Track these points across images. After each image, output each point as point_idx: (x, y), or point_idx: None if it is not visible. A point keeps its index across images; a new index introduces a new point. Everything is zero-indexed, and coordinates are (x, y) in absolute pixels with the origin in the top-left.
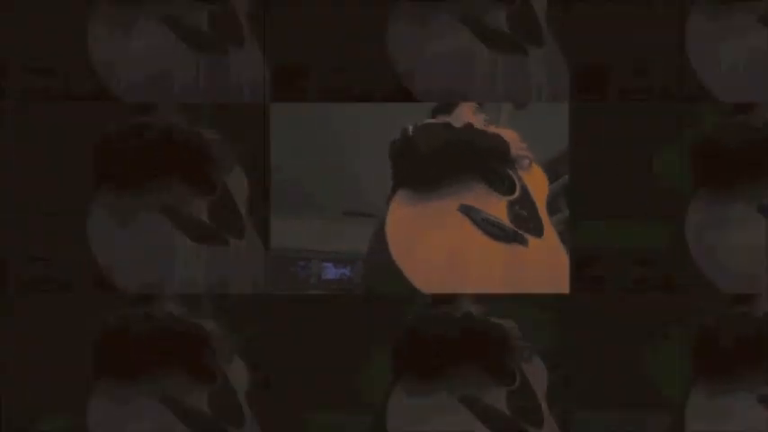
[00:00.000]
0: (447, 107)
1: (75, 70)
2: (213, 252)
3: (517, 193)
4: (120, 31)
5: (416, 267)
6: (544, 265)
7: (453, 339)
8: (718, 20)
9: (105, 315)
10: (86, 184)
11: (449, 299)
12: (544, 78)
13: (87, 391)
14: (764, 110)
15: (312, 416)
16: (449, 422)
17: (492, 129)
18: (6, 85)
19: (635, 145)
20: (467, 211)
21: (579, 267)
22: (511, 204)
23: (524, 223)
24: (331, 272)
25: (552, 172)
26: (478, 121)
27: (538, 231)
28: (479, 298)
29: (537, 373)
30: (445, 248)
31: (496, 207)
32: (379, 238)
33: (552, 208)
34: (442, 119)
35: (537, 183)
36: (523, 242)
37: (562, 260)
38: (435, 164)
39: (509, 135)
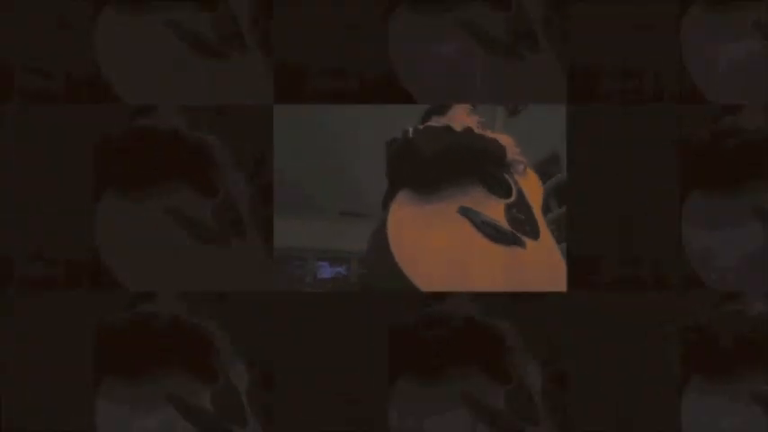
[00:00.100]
0: (441, 108)
1: (79, 73)
2: (215, 252)
3: (514, 197)
4: (124, 34)
5: (418, 267)
6: (542, 267)
7: (451, 338)
8: (713, 23)
9: (108, 314)
10: (91, 184)
11: (445, 297)
12: (539, 82)
13: (93, 390)
14: (755, 112)
15: (313, 416)
16: (448, 421)
17: (488, 133)
18: (10, 87)
19: (630, 146)
20: (466, 212)
21: (577, 266)
22: (508, 207)
23: (521, 226)
24: (327, 271)
25: (543, 172)
26: (473, 122)
27: (535, 234)
28: (476, 296)
29: (533, 372)
30: (446, 249)
31: (494, 210)
32: (379, 238)
33: (544, 208)
34: (436, 119)
35: (532, 187)
36: (521, 244)
37: (559, 262)
38: (436, 166)
39: (505, 140)
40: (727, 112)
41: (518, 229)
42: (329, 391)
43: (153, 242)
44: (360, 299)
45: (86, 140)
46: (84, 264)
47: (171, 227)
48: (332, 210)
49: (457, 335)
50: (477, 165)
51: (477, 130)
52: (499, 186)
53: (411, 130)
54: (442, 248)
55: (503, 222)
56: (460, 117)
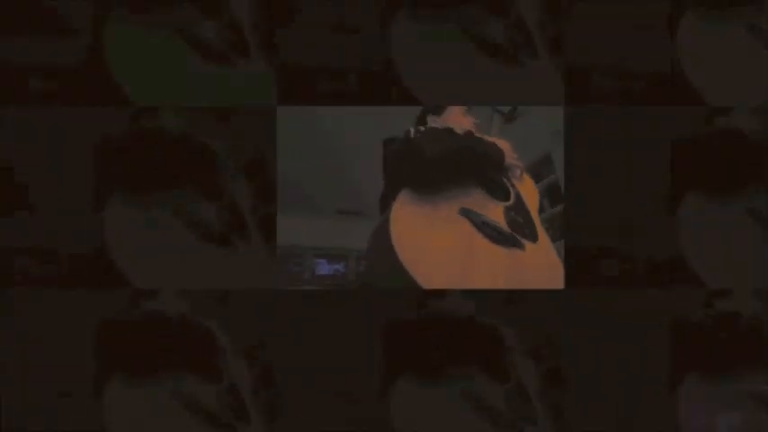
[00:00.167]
0: (436, 108)
1: (89, 74)
2: (218, 251)
3: (512, 200)
4: (134, 38)
5: (421, 266)
6: (542, 269)
7: (449, 336)
8: (709, 26)
9: (111, 312)
10: (95, 184)
11: (443, 294)
12: (534, 85)
13: (99, 387)
14: (750, 114)
15: (315, 415)
16: (447, 419)
17: (486, 137)
18: (17, 88)
19: (627, 147)
20: (467, 214)
21: (574, 264)
22: (507, 210)
23: (520, 229)
24: (324, 268)
25: (536, 174)
26: (469, 123)
27: (533, 237)
28: (474, 294)
29: (531, 370)
30: (448, 249)
31: (494, 212)
32: (381, 237)
33: (539, 209)
34: (432, 119)
35: (528, 191)
36: (521, 247)
37: (557, 264)
38: (438, 168)
39: (503, 144)
40: (721, 113)
41: (517, 232)
42: (330, 390)
43: (156, 242)
44: (360, 297)
45: (90, 140)
46: (88, 262)
47: (176, 227)
48: (330, 208)
49: (455, 333)
50: (477, 168)
51: (475, 132)
52: (498, 189)
53: (413, 130)
54: (444, 248)
55: (502, 224)
56: (456, 117)
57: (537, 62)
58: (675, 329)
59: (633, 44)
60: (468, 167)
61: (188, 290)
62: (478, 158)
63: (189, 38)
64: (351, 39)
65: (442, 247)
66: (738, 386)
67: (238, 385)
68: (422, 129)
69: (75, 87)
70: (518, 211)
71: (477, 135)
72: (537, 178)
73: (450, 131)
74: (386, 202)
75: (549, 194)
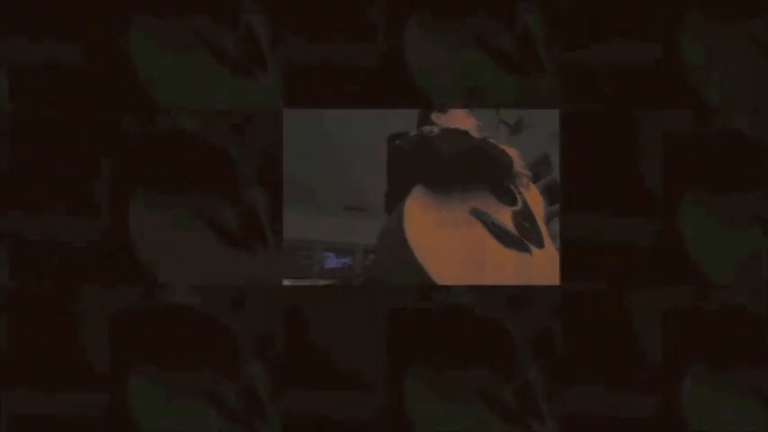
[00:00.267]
0: (441, 106)
1: (117, 78)
2: (234, 250)
3: (519, 206)
4: (157, 42)
5: (435, 262)
6: (548, 273)
7: (455, 330)
8: (708, 29)
9: (129, 304)
10: (122, 183)
11: (446, 289)
12: (532, 86)
13: (122, 378)
14: (746, 115)
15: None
16: (460, 413)
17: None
18: (36, 88)
19: (625, 147)
20: (478, 214)
21: (570, 261)
22: (515, 215)
23: (528, 234)
24: (333, 261)
25: (534, 174)
26: (472, 124)
27: (540, 243)
28: (476, 289)
29: (534, 366)
30: (461, 247)
31: (503, 216)
32: (393, 231)
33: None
34: (436, 116)
35: (534, 199)
36: (528, 251)
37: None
38: (453, 168)
39: (511, 152)
40: (718, 115)
41: (525, 237)
42: (342, 383)
43: (173, 239)
44: (367, 292)
45: (110, 140)
46: (118, 257)
47: (193, 225)
48: (338, 205)
49: (462, 327)
50: (488, 171)
51: (477, 134)
52: (506, 195)
53: (427, 128)
54: (456, 246)
55: (511, 228)
56: (460, 118)
57: (538, 65)
58: (677, 326)
59: (631, 44)
60: (480, 170)
61: (202, 285)
62: (491, 162)
63: (214, 51)
64: (358, 41)
65: (455, 245)
66: (737, 381)
67: (253, 379)
68: (435, 128)
69: (113, 92)
70: (525, 216)
71: (491, 140)
72: (535, 178)
73: (465, 133)
74: (391, 199)
75: (548, 194)
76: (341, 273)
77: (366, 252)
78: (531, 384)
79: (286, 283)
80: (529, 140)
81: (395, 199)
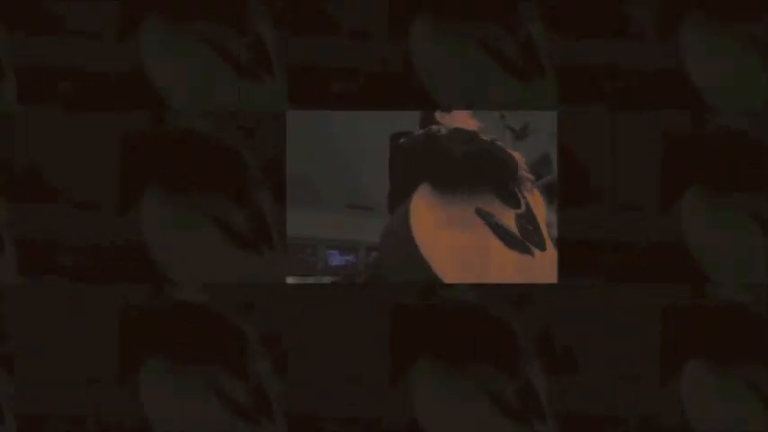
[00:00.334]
0: (447, 106)
1: (129, 82)
2: (242, 250)
3: (523, 209)
4: (167, 46)
5: (441, 260)
6: (549, 275)
7: (460, 328)
8: (709, 32)
9: (141, 300)
10: (136, 182)
11: (447, 287)
12: (531, 86)
13: (133, 374)
14: (745, 116)
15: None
16: (462, 410)
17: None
18: (51, 89)
19: (623, 147)
20: (482, 214)
21: (568, 259)
22: (518, 217)
23: (531, 236)
24: (337, 258)
25: (534, 173)
26: (474, 125)
27: (542, 245)
28: (480, 287)
29: (536, 365)
30: (466, 245)
31: (506, 218)
32: (399, 228)
33: None
34: (440, 116)
35: (537, 203)
36: (531, 253)
37: None
38: (463, 168)
39: (516, 156)
40: (716, 115)
41: (527, 239)
42: (347, 380)
43: (183, 238)
44: (370, 289)
45: (121, 140)
46: (129, 255)
47: (202, 225)
48: (341, 204)
49: (465, 325)
50: (495, 173)
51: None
52: (510, 197)
53: (437, 128)
54: (462, 245)
55: (514, 230)
56: (463, 119)
57: (538, 77)
58: (676, 323)
59: (631, 45)
60: (487, 172)
61: (210, 283)
62: (498, 165)
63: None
64: (361, 44)
65: (461, 243)
66: (735, 377)
67: (259, 375)
68: (442, 128)
69: (126, 95)
70: (528, 219)
71: (498, 143)
72: (535, 177)
73: (474, 134)
74: (394, 199)
75: (548, 193)
76: (344, 270)
77: (369, 250)
78: (532, 383)
79: (290, 280)
80: (529, 141)
81: (397, 198)
